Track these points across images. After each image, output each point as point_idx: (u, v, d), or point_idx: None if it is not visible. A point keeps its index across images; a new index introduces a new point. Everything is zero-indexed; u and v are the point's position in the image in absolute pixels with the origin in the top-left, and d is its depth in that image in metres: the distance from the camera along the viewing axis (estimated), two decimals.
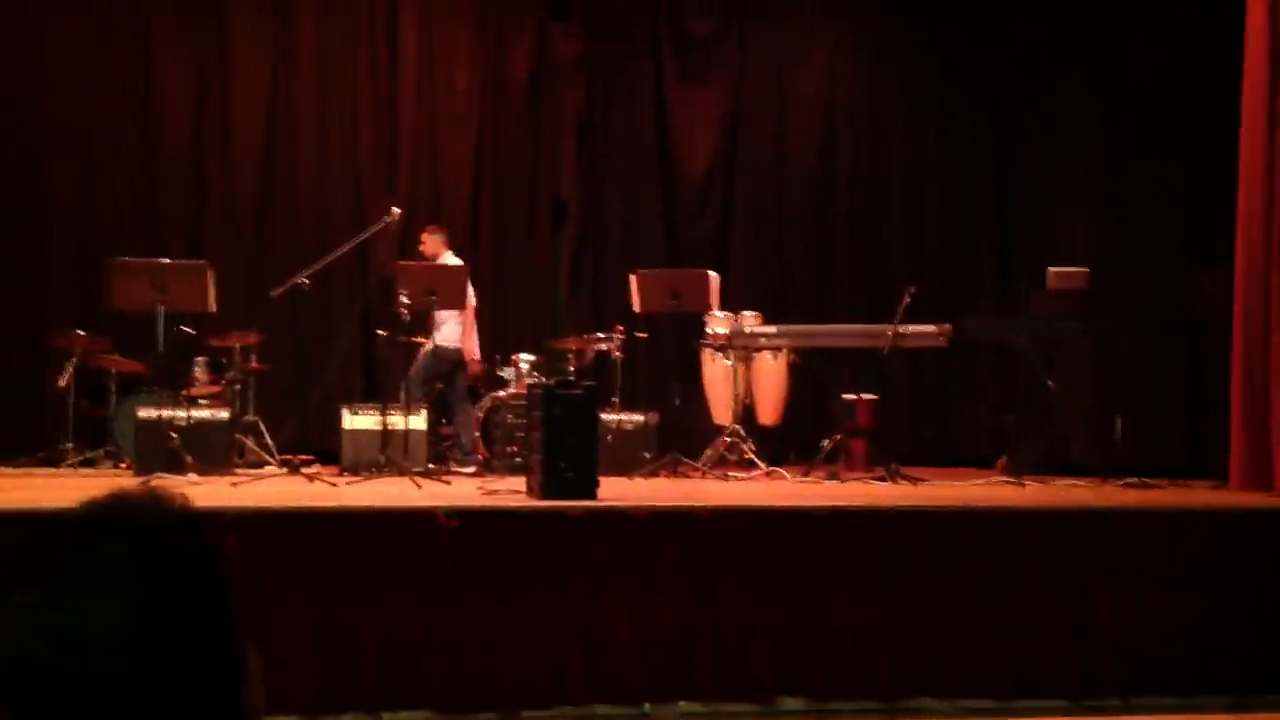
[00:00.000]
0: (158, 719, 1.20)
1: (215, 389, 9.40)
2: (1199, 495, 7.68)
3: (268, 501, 6.31)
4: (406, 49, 11.12)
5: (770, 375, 9.66)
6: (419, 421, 8.85)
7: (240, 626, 1.27)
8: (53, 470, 8.78)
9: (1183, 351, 10.61)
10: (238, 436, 8.95)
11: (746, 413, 9.49)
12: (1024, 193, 11.40)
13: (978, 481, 8.24)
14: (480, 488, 7.39)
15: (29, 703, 1.18)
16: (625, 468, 8.39)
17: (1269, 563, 6.40)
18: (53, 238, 10.58)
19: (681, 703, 5.92)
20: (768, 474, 8.78)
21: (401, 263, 9.11)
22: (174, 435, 8.16)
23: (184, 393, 8.95)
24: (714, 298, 9.33)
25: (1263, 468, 7.54)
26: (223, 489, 7.23)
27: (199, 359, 9.44)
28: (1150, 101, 10.79)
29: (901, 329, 8.68)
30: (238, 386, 9.38)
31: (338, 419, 9.06)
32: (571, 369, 9.60)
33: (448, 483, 7.88)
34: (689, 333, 9.87)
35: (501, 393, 9.52)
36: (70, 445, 9.01)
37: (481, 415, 9.47)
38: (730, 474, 8.75)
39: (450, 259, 9.43)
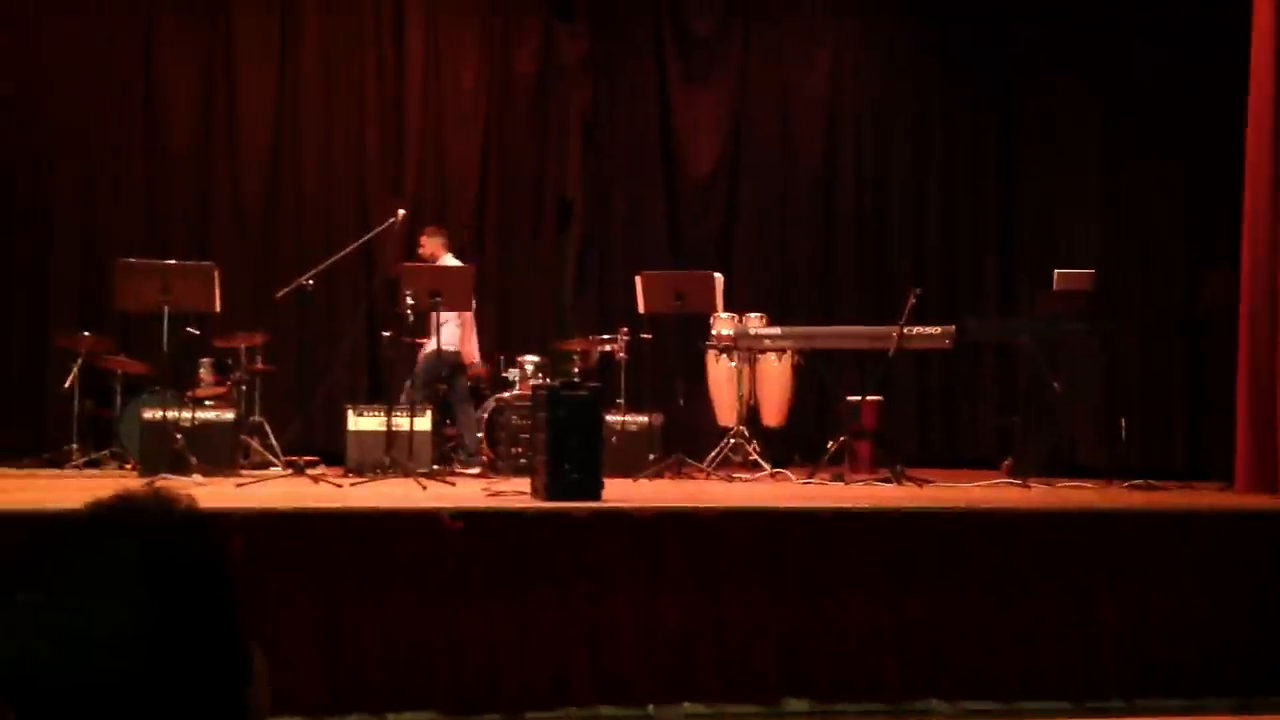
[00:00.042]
0: (163, 719, 1.20)
1: (220, 390, 9.42)
2: (1204, 497, 7.66)
3: (272, 502, 6.31)
4: (412, 49, 11.12)
5: (775, 376, 9.67)
6: (424, 423, 8.85)
7: (245, 627, 1.27)
8: (57, 471, 8.80)
9: (1184, 352, 10.62)
10: (243, 437, 8.96)
11: (751, 414, 9.49)
12: (1025, 193, 11.40)
13: (983, 483, 8.23)
14: (485, 489, 7.39)
15: (33, 703, 1.18)
16: (630, 469, 8.38)
17: (1274, 565, 6.38)
18: (56, 238, 10.59)
19: (686, 704, 5.91)
20: (772, 475, 8.77)
21: (407, 264, 9.11)
22: (179, 436, 8.17)
23: (189, 393, 8.96)
24: (719, 299, 9.33)
25: (1268, 469, 7.51)
26: (228, 490, 7.23)
27: (204, 360, 9.45)
28: (1150, 101, 10.80)
29: (907, 330, 8.67)
30: (243, 387, 9.38)
31: (343, 420, 9.06)
32: (576, 370, 9.60)
33: (452, 484, 7.88)
34: (694, 334, 9.87)
35: (506, 394, 9.52)
36: (75, 446, 9.03)
37: (486, 416, 9.47)
38: (735, 475, 8.75)
39: (449, 261, 9.42)
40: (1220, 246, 8.63)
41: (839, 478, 8.47)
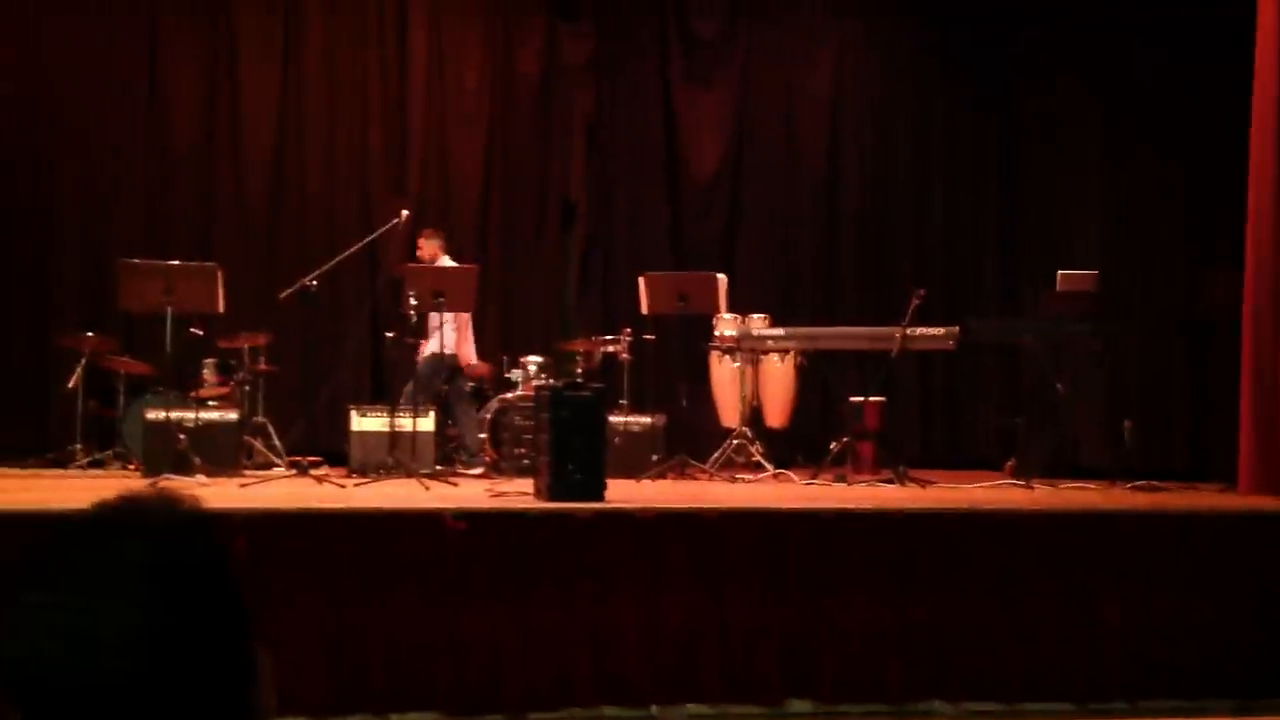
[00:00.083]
0: (168, 719, 1.20)
1: (224, 390, 9.41)
2: (1207, 498, 7.65)
3: (276, 503, 6.32)
4: (415, 49, 11.12)
5: (778, 377, 9.67)
6: (426, 423, 8.85)
7: (249, 628, 1.28)
8: (61, 471, 8.80)
9: (1184, 352, 10.61)
10: (246, 438, 8.96)
11: (754, 415, 9.49)
12: (1026, 193, 11.40)
13: (985, 484, 8.23)
14: (488, 490, 7.39)
15: (39, 703, 1.19)
16: (633, 470, 8.38)
17: (1277, 566, 6.38)
18: (59, 238, 10.60)
19: (689, 705, 5.92)
20: (775, 476, 8.76)
21: (410, 264, 9.12)
22: (182, 436, 8.17)
23: (192, 394, 8.97)
24: (722, 300, 9.32)
25: (1272, 470, 7.50)
26: (231, 490, 7.23)
27: (207, 360, 9.45)
28: (1151, 102, 10.80)
29: (910, 331, 8.66)
30: (246, 388, 9.38)
31: (346, 420, 9.07)
32: (579, 371, 9.60)
33: (455, 484, 7.88)
34: (697, 335, 9.87)
35: (510, 394, 9.52)
36: (79, 446, 9.03)
37: (489, 417, 9.47)
38: (738, 476, 8.75)
39: (447, 263, 9.41)
40: (1221, 246, 8.62)
41: (842, 479, 8.46)
